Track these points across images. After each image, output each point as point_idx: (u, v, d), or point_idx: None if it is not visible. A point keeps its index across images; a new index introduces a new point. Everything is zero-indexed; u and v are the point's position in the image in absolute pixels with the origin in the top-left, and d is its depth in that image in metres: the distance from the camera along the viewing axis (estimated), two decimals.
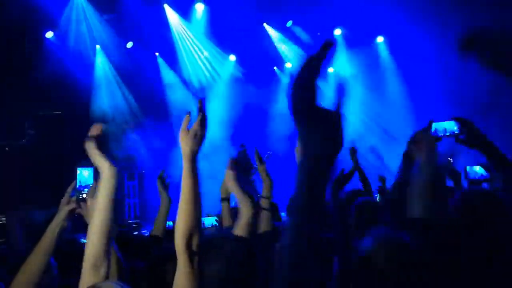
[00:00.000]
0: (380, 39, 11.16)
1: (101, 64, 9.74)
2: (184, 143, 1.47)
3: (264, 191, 2.48)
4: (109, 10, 8.47)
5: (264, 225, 2.33)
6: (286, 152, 9.79)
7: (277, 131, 10.80)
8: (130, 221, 8.73)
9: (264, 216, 2.34)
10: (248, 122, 10.71)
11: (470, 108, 8.40)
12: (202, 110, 1.51)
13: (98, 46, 9.54)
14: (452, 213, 1.77)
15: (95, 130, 1.61)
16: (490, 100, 8.65)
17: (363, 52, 10.96)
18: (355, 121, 10.48)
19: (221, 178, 2.48)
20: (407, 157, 2.03)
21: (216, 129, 9.61)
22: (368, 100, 10.67)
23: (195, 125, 1.48)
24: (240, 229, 1.99)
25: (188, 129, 1.48)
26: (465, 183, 3.73)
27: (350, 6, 9.24)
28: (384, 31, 10.83)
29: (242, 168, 9.05)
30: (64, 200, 2.05)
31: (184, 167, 1.46)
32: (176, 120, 9.75)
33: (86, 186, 2.03)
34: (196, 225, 1.43)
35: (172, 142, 9.41)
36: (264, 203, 2.39)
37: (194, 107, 1.55)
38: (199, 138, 1.48)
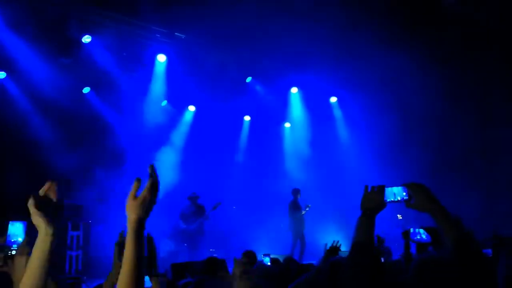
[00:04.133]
0: (333, 99, 11.91)
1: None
2: (130, 211, 1.38)
3: None
4: (65, 54, 8.35)
5: None
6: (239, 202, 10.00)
7: (233, 179, 10.90)
8: (70, 276, 8.02)
9: None
10: (204, 169, 10.69)
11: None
12: (153, 175, 1.44)
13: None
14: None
15: (47, 187, 1.54)
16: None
17: (318, 110, 11.60)
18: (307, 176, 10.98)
19: None
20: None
21: (170, 175, 9.58)
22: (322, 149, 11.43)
23: (145, 192, 1.41)
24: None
25: (136, 196, 1.40)
26: (412, 245, 3.81)
27: (307, 70, 9.89)
28: (336, 93, 11.67)
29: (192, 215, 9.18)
30: None
31: (128, 235, 1.38)
32: (128, 169, 9.42)
33: (15, 242, 1.90)
34: None
35: (124, 192, 8.98)
36: None
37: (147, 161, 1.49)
38: (148, 205, 1.40)
